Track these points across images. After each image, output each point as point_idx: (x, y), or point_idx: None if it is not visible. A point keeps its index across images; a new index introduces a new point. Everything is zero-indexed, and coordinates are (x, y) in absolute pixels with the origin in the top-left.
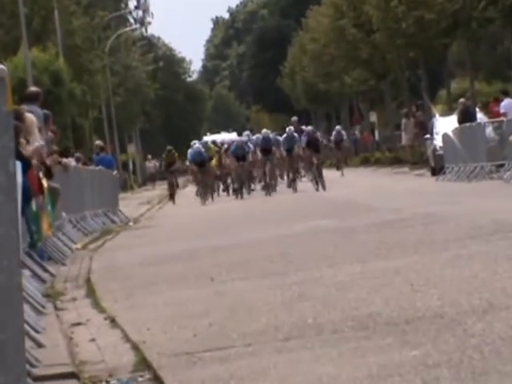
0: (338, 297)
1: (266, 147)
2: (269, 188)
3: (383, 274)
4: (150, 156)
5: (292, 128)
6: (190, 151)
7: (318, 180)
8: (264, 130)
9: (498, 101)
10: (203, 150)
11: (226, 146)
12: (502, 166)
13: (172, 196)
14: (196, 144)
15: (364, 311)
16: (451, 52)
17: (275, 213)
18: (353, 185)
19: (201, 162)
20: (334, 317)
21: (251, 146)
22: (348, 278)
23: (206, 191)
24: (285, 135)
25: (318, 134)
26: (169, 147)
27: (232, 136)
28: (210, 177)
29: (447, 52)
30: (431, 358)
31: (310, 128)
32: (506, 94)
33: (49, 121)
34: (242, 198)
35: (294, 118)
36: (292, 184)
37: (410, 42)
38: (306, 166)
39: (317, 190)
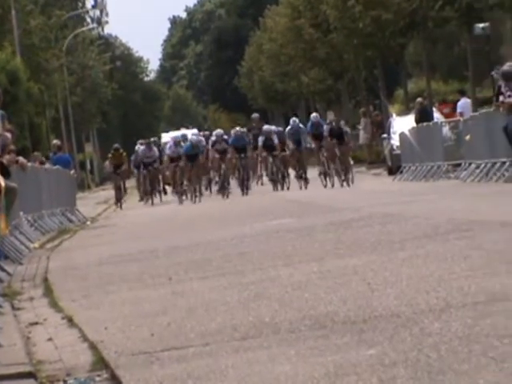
0: (295, 296)
1: (240, 146)
2: (244, 187)
3: (340, 273)
4: (108, 156)
5: (297, 120)
6: (184, 145)
7: (342, 174)
8: (237, 128)
9: (445, 102)
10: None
11: (213, 138)
12: (458, 165)
13: (119, 201)
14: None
15: (321, 310)
16: (408, 52)
17: (235, 213)
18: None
19: (194, 155)
20: (291, 316)
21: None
22: (305, 277)
23: (193, 188)
24: (289, 127)
25: (342, 123)
26: (116, 145)
27: (193, 132)
28: (199, 172)
29: (404, 52)
30: (388, 357)
31: (315, 115)
32: (462, 93)
33: (4, 120)
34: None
35: (256, 115)
36: (299, 181)
37: (367, 42)
38: (329, 158)
39: (341, 185)
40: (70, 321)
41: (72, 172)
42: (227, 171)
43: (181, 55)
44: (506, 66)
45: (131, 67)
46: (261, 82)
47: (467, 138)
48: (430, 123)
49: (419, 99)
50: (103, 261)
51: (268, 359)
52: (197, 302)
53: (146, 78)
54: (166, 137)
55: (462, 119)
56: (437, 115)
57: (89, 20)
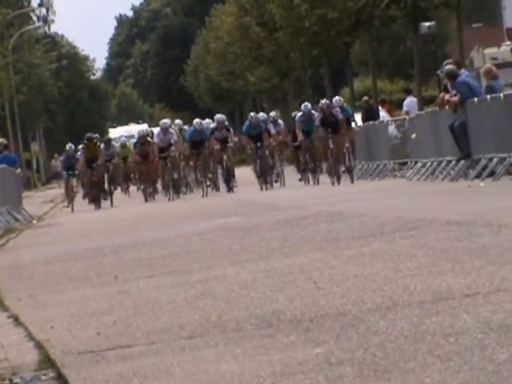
0: (241, 295)
1: (256, 134)
2: (265, 180)
3: (287, 272)
4: (56, 154)
5: (309, 105)
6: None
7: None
8: (252, 114)
9: (385, 102)
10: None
11: (212, 125)
12: (404, 164)
13: (97, 200)
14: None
15: (267, 309)
16: (354, 50)
17: (183, 211)
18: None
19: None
20: (238, 315)
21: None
22: (251, 275)
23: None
24: (300, 113)
25: (337, 110)
26: (89, 135)
27: (143, 127)
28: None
29: (350, 50)
30: (334, 356)
31: (324, 102)
32: (408, 92)
33: None
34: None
35: (220, 116)
36: (312, 175)
37: (313, 41)
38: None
39: (332, 183)
40: (16, 320)
41: (18, 171)
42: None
43: (127, 54)
44: (449, 66)
45: (77, 66)
46: (207, 80)
47: (413, 136)
48: (376, 122)
49: (365, 98)
50: (50, 259)
51: (214, 358)
52: (143, 300)
53: (92, 77)
54: (114, 132)
55: (407, 118)
56: (383, 114)
57: (35, 18)
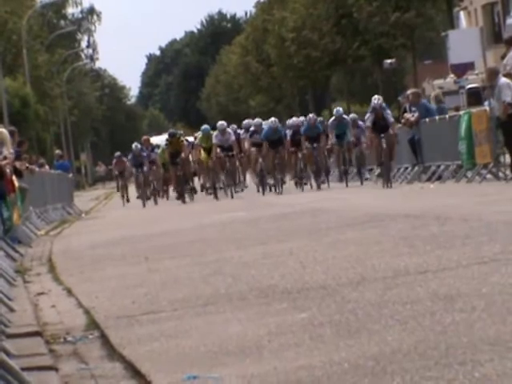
0: (244, 272)
1: (275, 140)
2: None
3: (280, 255)
4: (100, 162)
5: (341, 110)
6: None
7: (384, 173)
8: (272, 119)
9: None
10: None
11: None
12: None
13: (183, 195)
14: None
15: (265, 283)
16: (332, 82)
17: (198, 207)
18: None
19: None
20: (241, 288)
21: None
22: (252, 257)
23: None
24: (333, 118)
25: (388, 113)
26: (171, 131)
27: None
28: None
29: (329, 82)
30: (317, 320)
31: (377, 101)
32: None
33: (14, 135)
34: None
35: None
36: (344, 177)
37: (300, 74)
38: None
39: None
40: (69, 292)
41: (70, 175)
42: (264, 165)
43: (155, 84)
44: (410, 92)
45: (117, 93)
46: (217, 105)
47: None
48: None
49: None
50: (95, 245)
51: (223, 321)
52: (167, 277)
53: (128, 102)
54: (155, 140)
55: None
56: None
57: (83, 56)
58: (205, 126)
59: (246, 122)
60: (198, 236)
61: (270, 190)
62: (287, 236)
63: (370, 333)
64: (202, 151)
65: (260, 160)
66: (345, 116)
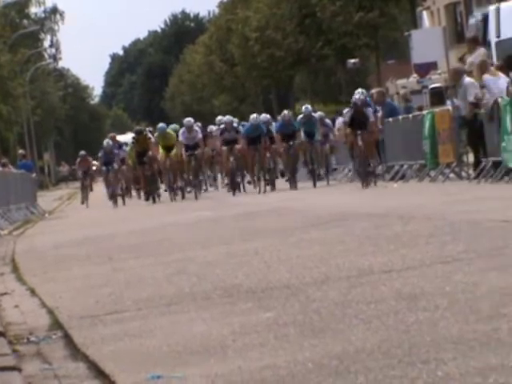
0: (208, 272)
1: (288, 133)
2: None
3: (244, 254)
4: (63, 162)
5: (310, 107)
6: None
7: (361, 172)
8: (285, 112)
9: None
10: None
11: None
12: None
13: (149, 194)
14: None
15: (229, 283)
16: (296, 81)
17: (164, 207)
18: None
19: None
20: (206, 287)
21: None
22: (217, 257)
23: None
24: (301, 116)
25: (369, 110)
26: (138, 128)
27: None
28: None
29: (293, 81)
30: (281, 319)
31: (358, 97)
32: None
33: None
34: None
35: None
36: (311, 177)
37: (263, 74)
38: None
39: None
40: (33, 292)
41: (33, 175)
42: (235, 164)
43: (119, 84)
44: (374, 91)
45: (80, 93)
46: (181, 104)
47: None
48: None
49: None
50: (58, 245)
51: (187, 321)
52: (132, 276)
53: (91, 102)
54: (119, 139)
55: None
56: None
57: (46, 56)
58: (161, 125)
59: (219, 118)
60: (162, 236)
61: (245, 188)
62: (252, 235)
63: (334, 332)
64: (161, 151)
65: (231, 159)
66: (313, 114)
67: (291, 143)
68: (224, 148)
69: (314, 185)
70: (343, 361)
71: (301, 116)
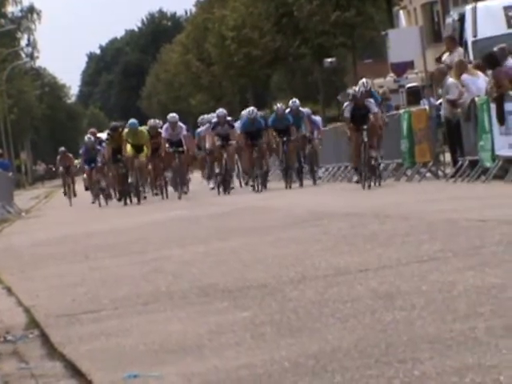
0: (185, 271)
1: (282, 127)
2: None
3: (221, 253)
4: (39, 161)
5: (297, 101)
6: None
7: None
8: (279, 106)
9: None
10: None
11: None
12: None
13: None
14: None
15: (205, 282)
16: (273, 80)
17: (141, 206)
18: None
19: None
20: (182, 286)
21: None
22: (193, 256)
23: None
24: (288, 110)
25: (371, 101)
26: (114, 123)
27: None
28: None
29: (270, 80)
30: (258, 318)
31: (358, 89)
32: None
33: None
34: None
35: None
36: (287, 179)
37: (240, 73)
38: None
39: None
40: (9, 290)
41: (10, 174)
42: (230, 161)
43: (95, 83)
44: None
45: (57, 92)
46: (158, 103)
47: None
48: None
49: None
50: (35, 243)
51: (164, 320)
52: (108, 275)
53: (68, 101)
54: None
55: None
56: None
57: (23, 55)
58: (132, 121)
59: (201, 117)
60: (138, 235)
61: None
62: (228, 234)
63: (310, 331)
64: (129, 148)
65: (225, 155)
66: (301, 108)
67: (285, 139)
68: (218, 143)
69: (301, 184)
70: (320, 360)
71: (288, 110)
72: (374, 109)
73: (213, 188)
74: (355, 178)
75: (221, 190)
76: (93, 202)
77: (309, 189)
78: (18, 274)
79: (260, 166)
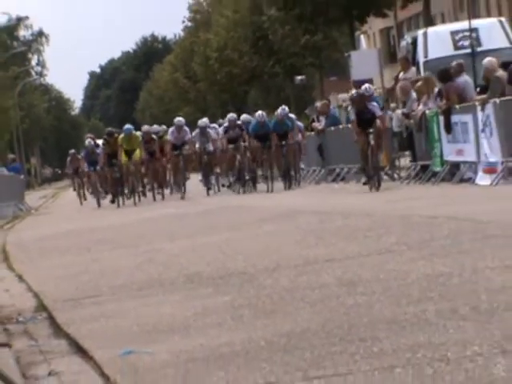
0: (174, 261)
1: (281, 132)
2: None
3: (206, 246)
4: (46, 165)
5: (286, 108)
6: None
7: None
8: (279, 111)
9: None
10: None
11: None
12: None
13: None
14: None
15: (192, 270)
16: (251, 95)
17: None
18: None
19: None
20: (172, 275)
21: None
22: (182, 248)
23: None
24: (254, 121)
25: (374, 104)
26: (110, 129)
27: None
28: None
29: (248, 95)
30: (237, 302)
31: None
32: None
33: None
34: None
35: (232, 115)
36: (284, 180)
37: (222, 89)
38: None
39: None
40: (20, 278)
41: (22, 176)
42: (242, 161)
43: (96, 97)
44: (320, 103)
45: (62, 105)
46: (150, 116)
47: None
48: None
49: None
50: (43, 237)
51: (156, 304)
52: (107, 265)
53: (72, 113)
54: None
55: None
56: None
57: (33, 73)
58: (127, 126)
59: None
60: (133, 230)
61: (245, 185)
62: (212, 230)
63: (283, 314)
64: (124, 156)
65: (238, 157)
66: (291, 115)
67: (284, 143)
68: (230, 146)
69: (290, 187)
70: (291, 339)
71: (254, 122)
72: (379, 112)
73: (228, 186)
74: (363, 180)
75: (238, 189)
76: (112, 202)
77: (296, 191)
78: (28, 263)
79: (270, 167)
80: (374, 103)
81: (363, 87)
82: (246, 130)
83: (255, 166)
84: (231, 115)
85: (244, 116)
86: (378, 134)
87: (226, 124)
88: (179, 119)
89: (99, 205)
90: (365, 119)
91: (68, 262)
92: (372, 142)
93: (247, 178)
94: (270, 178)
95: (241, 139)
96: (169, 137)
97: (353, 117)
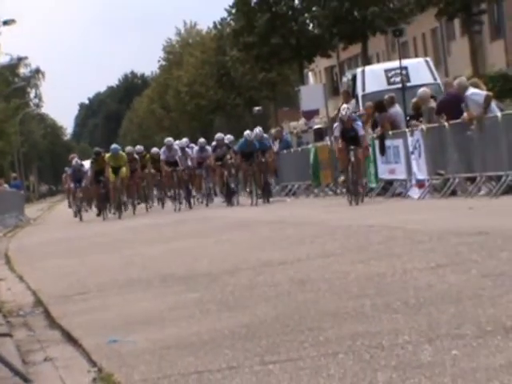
0: (151, 263)
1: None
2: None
3: (177, 250)
4: (43, 183)
5: (261, 129)
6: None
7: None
8: (257, 131)
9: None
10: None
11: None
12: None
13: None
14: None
15: (165, 271)
16: (215, 123)
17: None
18: None
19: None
20: (148, 275)
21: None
22: (158, 252)
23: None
24: (243, 139)
25: (359, 123)
26: (97, 149)
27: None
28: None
29: (213, 123)
30: (205, 298)
31: (344, 113)
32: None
33: None
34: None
35: (220, 135)
36: (261, 196)
37: (192, 118)
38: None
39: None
40: (21, 278)
41: (22, 192)
42: (229, 175)
43: (85, 125)
44: (275, 129)
45: (56, 131)
46: (131, 140)
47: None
48: None
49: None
50: (41, 243)
51: (134, 299)
52: (94, 266)
53: (65, 138)
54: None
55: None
56: None
57: (31, 104)
58: (114, 146)
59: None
60: (116, 237)
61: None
62: (184, 236)
63: (243, 308)
64: (111, 173)
65: (226, 173)
66: (265, 135)
67: (263, 160)
68: (217, 163)
69: (268, 200)
70: (250, 329)
71: (242, 140)
72: (362, 131)
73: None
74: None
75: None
76: (98, 215)
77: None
78: (28, 265)
79: (256, 182)
80: (359, 122)
81: (344, 107)
82: (232, 148)
83: (238, 181)
84: (219, 135)
85: (228, 136)
86: (359, 155)
87: (213, 143)
88: (169, 139)
89: (81, 218)
90: (348, 137)
91: (61, 264)
92: (353, 159)
93: (234, 190)
94: (255, 192)
95: (227, 156)
96: (161, 156)
97: (336, 133)
